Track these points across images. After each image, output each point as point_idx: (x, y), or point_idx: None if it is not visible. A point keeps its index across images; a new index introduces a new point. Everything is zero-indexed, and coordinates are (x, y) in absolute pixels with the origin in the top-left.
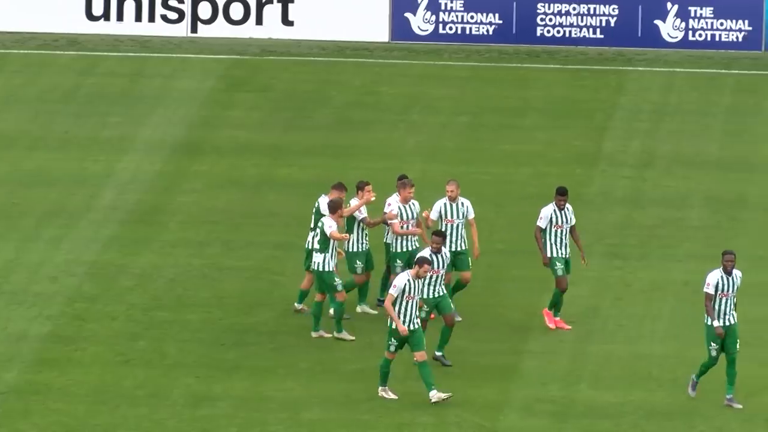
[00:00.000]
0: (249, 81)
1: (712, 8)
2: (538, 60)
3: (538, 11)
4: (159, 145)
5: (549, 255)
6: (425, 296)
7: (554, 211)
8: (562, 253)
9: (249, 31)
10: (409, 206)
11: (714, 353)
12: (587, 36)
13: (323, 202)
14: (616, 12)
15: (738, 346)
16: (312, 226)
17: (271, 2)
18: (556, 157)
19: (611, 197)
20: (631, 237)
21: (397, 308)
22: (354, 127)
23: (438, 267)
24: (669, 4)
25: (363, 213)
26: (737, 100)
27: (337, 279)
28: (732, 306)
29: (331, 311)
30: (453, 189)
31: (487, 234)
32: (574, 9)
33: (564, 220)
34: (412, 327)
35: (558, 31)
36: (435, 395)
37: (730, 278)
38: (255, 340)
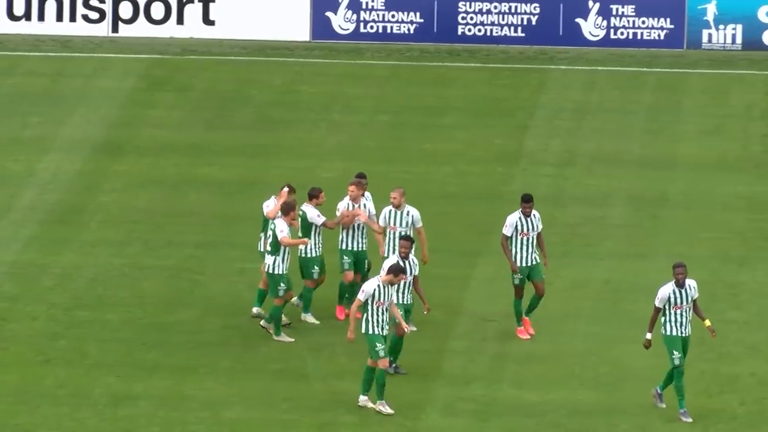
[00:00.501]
0: (170, 80)
1: (633, 6)
2: (459, 59)
3: (459, 10)
4: (79, 144)
5: (517, 264)
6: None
7: (519, 218)
8: (527, 262)
9: (170, 30)
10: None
11: (677, 361)
12: (508, 34)
13: (269, 205)
14: (538, 10)
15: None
16: (261, 228)
17: (192, 2)
18: (476, 155)
19: (534, 194)
20: (552, 235)
21: (369, 314)
22: (274, 126)
23: (407, 273)
24: (591, 3)
25: (322, 218)
26: (659, 99)
27: (282, 284)
28: (687, 318)
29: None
30: (395, 196)
31: None
32: (495, 7)
33: (530, 227)
34: (383, 333)
35: (479, 30)
36: (365, 400)
37: (683, 290)
38: (175, 339)
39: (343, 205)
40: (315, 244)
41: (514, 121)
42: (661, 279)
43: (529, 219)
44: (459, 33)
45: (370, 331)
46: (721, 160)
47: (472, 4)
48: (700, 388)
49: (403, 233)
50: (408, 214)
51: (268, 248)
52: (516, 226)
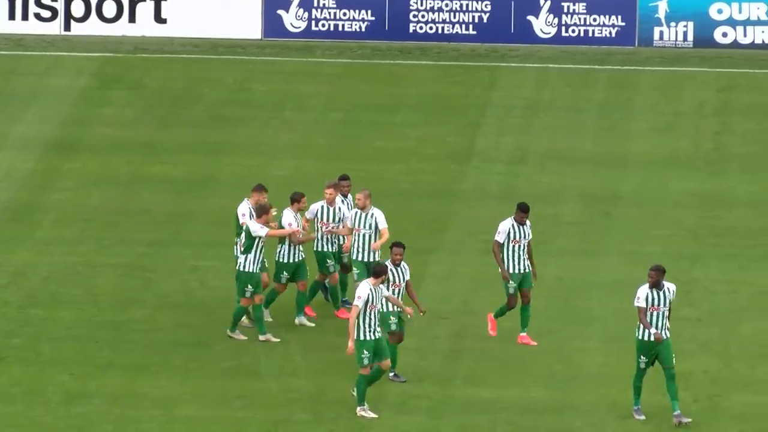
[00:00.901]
0: (122, 79)
1: (585, 4)
2: (411, 56)
3: (411, 8)
4: (32, 143)
5: (510, 271)
6: (388, 310)
7: (512, 225)
8: (518, 269)
9: (122, 29)
10: (335, 210)
11: (642, 365)
12: (460, 32)
13: (242, 207)
14: (489, 8)
15: (674, 360)
16: (236, 233)
17: (144, 0)
18: (428, 153)
19: (485, 193)
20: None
21: (361, 319)
22: (226, 124)
23: (399, 281)
24: (542, 1)
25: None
26: (610, 96)
27: (250, 286)
28: (664, 320)
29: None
30: (360, 198)
31: None
32: (446, 5)
33: (522, 235)
34: (376, 336)
35: (431, 28)
36: (362, 411)
37: (660, 293)
38: (129, 337)
39: (316, 207)
40: (289, 250)
41: (466, 119)
42: (613, 276)
43: (522, 227)
44: (411, 31)
45: (360, 337)
46: (672, 157)
47: (424, 2)
48: (653, 386)
49: (366, 234)
50: (372, 216)
51: (242, 248)
52: (509, 233)
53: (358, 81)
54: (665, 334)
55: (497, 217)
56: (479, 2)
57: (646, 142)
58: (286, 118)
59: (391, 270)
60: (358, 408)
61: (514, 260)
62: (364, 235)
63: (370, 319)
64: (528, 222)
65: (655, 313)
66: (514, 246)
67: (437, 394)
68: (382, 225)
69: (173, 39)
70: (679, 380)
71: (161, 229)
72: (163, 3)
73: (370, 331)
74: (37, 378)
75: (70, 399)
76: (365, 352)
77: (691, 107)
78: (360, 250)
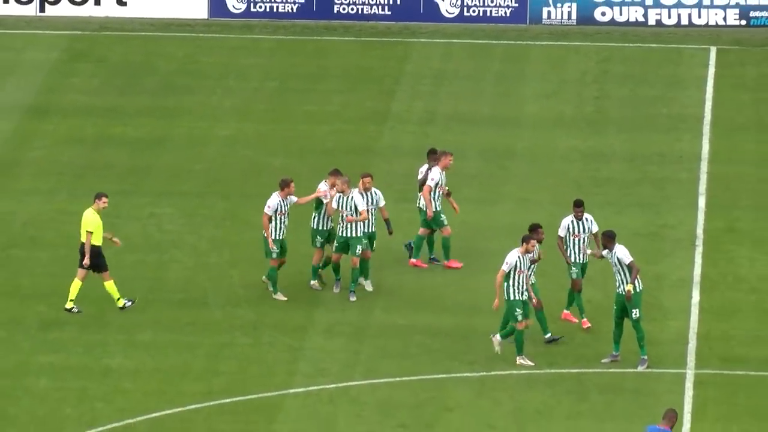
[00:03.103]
0: (88, 53)
1: None
2: (335, 33)
3: None
4: (12, 108)
5: (572, 260)
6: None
7: (572, 221)
8: (579, 259)
9: (89, 10)
10: (370, 194)
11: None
12: (377, 12)
13: (322, 186)
14: None
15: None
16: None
17: None
18: (351, 116)
19: (399, 150)
20: (416, 184)
21: (511, 282)
22: (178, 91)
23: (371, 204)
24: None
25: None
26: (505, 67)
27: (275, 249)
28: (582, 245)
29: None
30: (339, 184)
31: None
32: None
33: (581, 229)
34: (523, 297)
35: (352, 9)
36: (520, 359)
37: (580, 222)
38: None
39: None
40: (277, 226)
41: (383, 87)
42: (509, 220)
43: (580, 222)
44: (335, 11)
45: (511, 297)
46: (559, 119)
47: None
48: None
49: (350, 215)
50: (351, 199)
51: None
52: (569, 228)
53: (290, 54)
54: (584, 258)
55: (410, 171)
56: None
57: (536, 106)
58: (229, 87)
59: (361, 193)
60: (518, 357)
61: (574, 251)
62: (371, 210)
63: (518, 282)
64: (589, 216)
65: (576, 240)
66: (574, 240)
67: (359, 321)
68: (383, 203)
69: (132, 19)
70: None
71: (123, 181)
72: None
73: (518, 293)
74: (18, 308)
75: (46, 326)
76: (517, 310)
77: (575, 76)
78: (368, 225)
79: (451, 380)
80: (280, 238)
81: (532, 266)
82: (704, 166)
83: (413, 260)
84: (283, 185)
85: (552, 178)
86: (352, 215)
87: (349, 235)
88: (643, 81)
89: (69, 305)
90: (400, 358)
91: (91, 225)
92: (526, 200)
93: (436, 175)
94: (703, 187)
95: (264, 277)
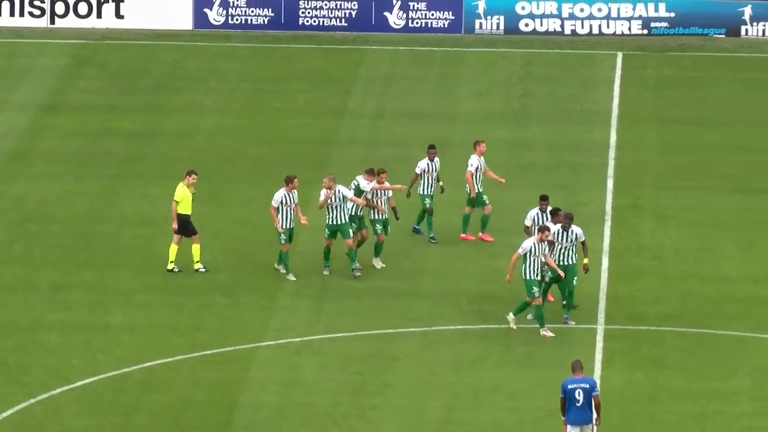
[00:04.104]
0: (92, 59)
1: (425, 2)
2: (300, 42)
3: (300, 6)
4: (27, 105)
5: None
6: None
7: (538, 213)
8: (563, 263)
9: (92, 23)
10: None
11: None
12: (336, 24)
13: (360, 179)
14: (356, 6)
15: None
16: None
17: (108, 2)
18: (314, 111)
19: (355, 140)
20: (347, 168)
21: (527, 264)
22: (168, 91)
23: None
24: (395, 0)
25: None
26: (444, 70)
27: (284, 236)
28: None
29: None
30: (326, 181)
31: (263, 165)
32: (326, 5)
33: (545, 219)
34: (538, 278)
35: (315, 21)
36: (543, 331)
37: (544, 214)
38: (99, 244)
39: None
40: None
41: (341, 87)
42: (447, 198)
43: (545, 213)
44: (300, 23)
45: (527, 276)
46: (489, 114)
47: (310, 2)
48: (474, 278)
49: (339, 205)
50: (339, 192)
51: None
52: (534, 219)
53: (262, 60)
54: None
55: (365, 158)
56: (349, 2)
57: (470, 103)
58: (211, 87)
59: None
60: (541, 330)
61: (558, 257)
62: (337, 207)
63: (533, 264)
64: (574, 228)
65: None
66: (558, 247)
67: (320, 285)
68: (349, 196)
69: (129, 30)
70: (497, 276)
71: (121, 167)
72: (121, 4)
73: (534, 273)
74: (31, 274)
75: (56, 289)
76: (534, 288)
77: (502, 77)
78: (338, 215)
79: (398, 334)
80: (289, 227)
81: (557, 246)
82: (612, 153)
83: (462, 235)
84: (288, 181)
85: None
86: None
87: (338, 222)
88: (560, 81)
89: (170, 266)
90: (355, 315)
91: (178, 196)
92: (461, 182)
93: (474, 161)
94: (611, 170)
95: (276, 264)
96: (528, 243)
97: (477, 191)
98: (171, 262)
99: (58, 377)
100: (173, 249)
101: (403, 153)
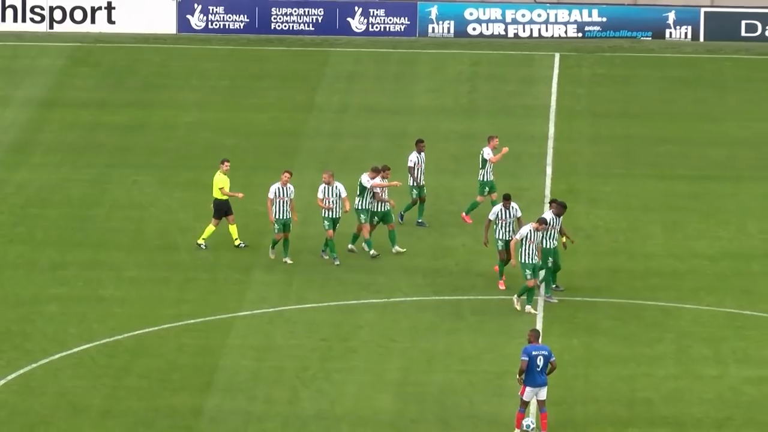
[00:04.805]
0: (87, 60)
1: (384, 9)
2: (273, 44)
3: (272, 13)
4: (29, 101)
5: (497, 236)
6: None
7: (501, 209)
8: (503, 237)
9: (87, 27)
10: (387, 181)
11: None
12: (304, 29)
13: (364, 178)
14: (322, 13)
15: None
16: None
17: (101, 9)
18: (285, 106)
19: (322, 132)
20: (335, 158)
21: (523, 249)
22: (155, 88)
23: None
24: (356, 7)
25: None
26: (401, 69)
27: (277, 226)
28: (510, 229)
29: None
30: (325, 177)
31: (239, 155)
32: (295, 11)
33: (507, 215)
34: (533, 261)
35: (285, 26)
36: (528, 308)
37: (507, 211)
38: (93, 225)
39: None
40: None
41: (308, 84)
42: (400, 189)
43: (507, 210)
44: (272, 28)
45: (523, 260)
46: (442, 108)
47: (281, 9)
48: (428, 255)
49: (335, 201)
50: (336, 188)
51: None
52: (498, 214)
53: (239, 60)
54: (508, 236)
55: (329, 148)
56: (316, 9)
57: (424, 98)
58: (193, 85)
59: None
60: (527, 306)
61: (501, 231)
62: (333, 202)
63: (529, 249)
64: (513, 205)
65: (503, 223)
66: (501, 223)
67: (290, 263)
68: (344, 193)
69: (119, 34)
70: (446, 254)
71: (112, 156)
72: (113, 11)
73: (529, 258)
74: (33, 253)
75: (55, 266)
76: (527, 271)
77: (453, 76)
78: (332, 210)
79: (360, 305)
80: (283, 217)
81: (552, 231)
82: (550, 144)
83: (464, 214)
84: (283, 176)
85: (436, 152)
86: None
87: (335, 216)
88: (504, 79)
89: (200, 241)
90: (322, 288)
91: (221, 183)
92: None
93: (488, 153)
94: (549, 159)
95: (284, 257)
96: (524, 229)
97: (490, 179)
98: (202, 238)
99: (57, 344)
100: (209, 229)
101: (365, 144)
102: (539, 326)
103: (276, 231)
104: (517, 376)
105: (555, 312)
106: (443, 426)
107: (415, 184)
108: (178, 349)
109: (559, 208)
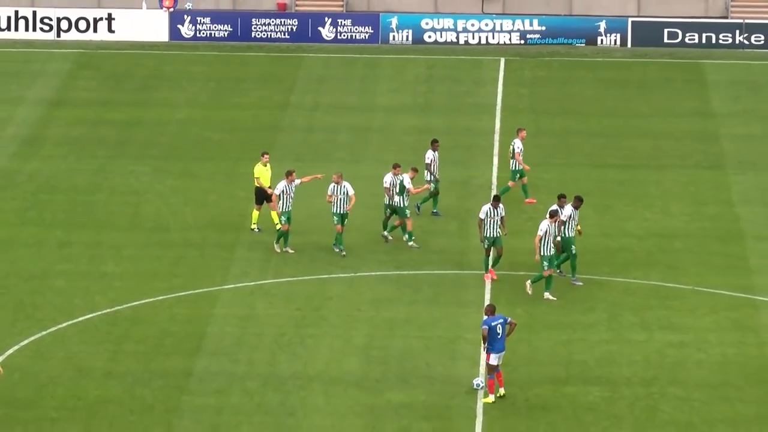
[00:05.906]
0: (90, 65)
1: (350, 20)
2: (253, 50)
3: (253, 23)
4: (39, 101)
5: (485, 235)
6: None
7: (489, 208)
8: (490, 234)
9: (90, 36)
10: (397, 178)
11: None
12: (281, 37)
13: (405, 177)
14: (296, 23)
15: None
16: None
17: (102, 20)
18: (265, 105)
19: (296, 128)
20: (308, 152)
21: (543, 243)
22: (150, 90)
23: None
24: (326, 19)
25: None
26: (365, 72)
27: (283, 218)
28: (497, 226)
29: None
30: (335, 177)
31: (224, 147)
32: (272, 21)
33: (495, 214)
34: (551, 253)
35: (264, 34)
36: (547, 294)
37: (496, 210)
38: (96, 209)
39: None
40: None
41: (285, 85)
42: (369, 172)
43: (495, 209)
44: (253, 36)
45: (542, 253)
46: (402, 106)
47: (260, 19)
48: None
49: (341, 198)
50: (344, 187)
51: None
52: (487, 213)
53: (223, 65)
54: (496, 233)
55: (303, 142)
56: (291, 19)
57: (386, 97)
58: (183, 86)
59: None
60: (545, 293)
61: (489, 229)
62: (340, 199)
63: (547, 243)
64: (500, 205)
65: (491, 221)
66: (490, 221)
67: (270, 240)
68: (351, 192)
69: (119, 41)
70: (429, 252)
71: (113, 149)
72: (113, 21)
73: (547, 250)
74: (43, 234)
75: (62, 246)
76: (545, 263)
77: (411, 78)
78: (338, 206)
79: (330, 279)
80: (287, 210)
81: (569, 223)
82: (497, 137)
83: (528, 200)
84: (288, 175)
85: (397, 145)
86: (349, 202)
87: (342, 212)
88: (456, 81)
89: (253, 226)
90: (297, 265)
91: (257, 173)
92: (380, 160)
93: (519, 144)
94: (496, 150)
95: (285, 247)
96: (544, 225)
97: (516, 168)
98: (254, 223)
99: (64, 314)
100: (255, 214)
101: (333, 137)
102: (487, 297)
103: (282, 222)
104: (482, 345)
105: (501, 285)
106: (403, 384)
107: (432, 178)
108: (171, 318)
109: (577, 201)
